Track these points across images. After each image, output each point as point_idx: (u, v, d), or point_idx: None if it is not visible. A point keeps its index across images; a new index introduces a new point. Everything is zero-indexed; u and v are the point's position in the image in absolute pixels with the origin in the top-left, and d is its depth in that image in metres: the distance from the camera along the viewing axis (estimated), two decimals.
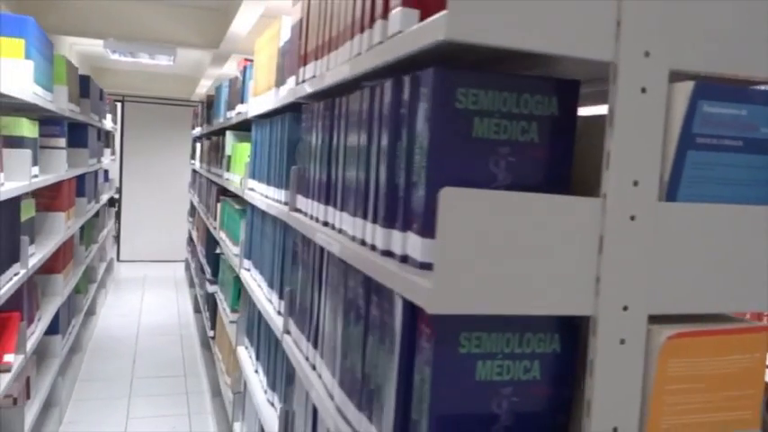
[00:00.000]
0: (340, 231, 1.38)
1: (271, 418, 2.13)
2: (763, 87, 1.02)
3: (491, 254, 0.85)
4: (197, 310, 6.18)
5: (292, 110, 2.08)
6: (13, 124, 2.65)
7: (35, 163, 2.92)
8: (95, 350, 5.17)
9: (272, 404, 2.21)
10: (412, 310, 0.98)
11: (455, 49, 0.91)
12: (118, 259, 9.09)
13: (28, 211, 2.87)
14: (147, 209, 9.23)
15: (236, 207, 3.35)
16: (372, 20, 1.16)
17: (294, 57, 1.91)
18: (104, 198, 6.37)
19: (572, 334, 0.98)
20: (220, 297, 3.91)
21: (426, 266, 0.95)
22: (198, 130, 6.70)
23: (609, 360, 0.91)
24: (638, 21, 0.88)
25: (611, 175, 0.89)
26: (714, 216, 0.93)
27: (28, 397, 3.08)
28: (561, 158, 0.98)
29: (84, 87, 4.59)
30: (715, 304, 0.96)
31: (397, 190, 1.06)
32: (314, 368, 1.56)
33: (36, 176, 2.90)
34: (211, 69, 6.67)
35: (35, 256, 2.96)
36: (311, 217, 1.64)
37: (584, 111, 1.08)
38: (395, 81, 1.07)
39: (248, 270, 2.82)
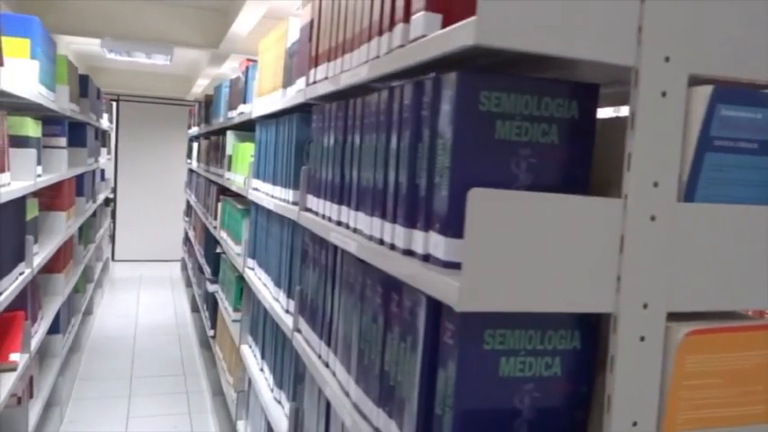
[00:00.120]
0: (355, 231, 1.40)
1: (278, 415, 2.15)
2: None
3: (517, 253, 0.87)
4: (194, 309, 6.18)
5: (300, 110, 2.10)
6: (19, 124, 2.66)
7: (38, 162, 2.92)
8: (93, 350, 5.17)
9: (280, 402, 2.23)
10: (435, 308, 1.01)
11: (472, 52, 0.93)
12: (113, 259, 9.08)
13: (32, 211, 2.88)
14: (142, 208, 9.22)
15: (238, 207, 3.37)
16: (392, 23, 1.18)
17: (304, 58, 1.92)
18: (101, 198, 6.37)
19: (591, 331, 1.00)
20: (221, 296, 3.92)
21: (450, 265, 0.97)
22: (195, 130, 6.71)
23: (629, 356, 0.93)
24: (658, 27, 0.90)
25: (633, 177, 0.91)
26: (730, 216, 0.96)
27: (31, 396, 3.08)
28: (580, 160, 1.01)
29: (83, 87, 4.59)
30: (730, 302, 0.99)
31: (417, 190, 1.08)
32: (327, 365, 1.58)
33: (40, 176, 2.91)
34: (209, 69, 6.67)
35: (38, 255, 2.96)
36: (323, 216, 1.66)
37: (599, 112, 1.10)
38: (416, 83, 1.09)
39: (252, 269, 2.83)
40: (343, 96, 1.60)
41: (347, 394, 1.40)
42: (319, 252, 1.69)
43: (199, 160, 5.93)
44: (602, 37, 0.88)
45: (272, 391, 2.34)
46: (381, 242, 1.23)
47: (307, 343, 1.77)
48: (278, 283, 2.27)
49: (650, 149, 0.91)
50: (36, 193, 3.16)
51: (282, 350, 2.22)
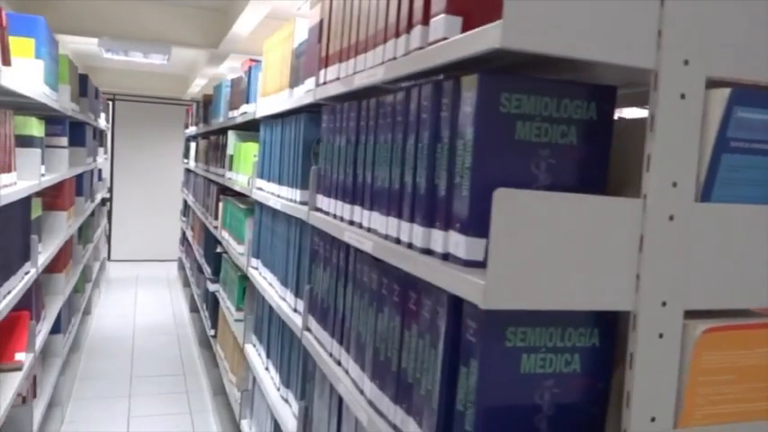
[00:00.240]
0: (369, 230, 1.41)
1: (286, 414, 2.16)
2: None
3: (540, 252, 0.89)
4: (193, 309, 6.18)
5: (307, 110, 2.11)
6: (23, 124, 2.66)
7: (42, 162, 2.93)
8: (92, 349, 5.17)
9: (287, 401, 2.24)
10: (456, 306, 1.02)
11: (488, 54, 0.95)
12: (109, 258, 9.06)
13: (36, 211, 2.88)
14: (138, 208, 9.22)
15: (241, 206, 3.38)
16: (410, 25, 1.20)
17: (313, 59, 1.94)
18: (99, 197, 6.36)
19: (609, 329, 1.02)
20: (222, 296, 3.93)
21: (470, 264, 0.99)
22: (193, 129, 6.70)
23: (648, 353, 0.95)
24: (677, 30, 0.92)
25: (652, 177, 0.93)
26: (746, 216, 0.98)
27: (34, 396, 3.08)
28: (598, 160, 1.03)
29: (82, 86, 4.59)
30: (745, 300, 1.01)
31: (437, 190, 1.10)
32: (339, 363, 1.60)
33: (43, 175, 2.91)
34: (207, 69, 6.66)
35: (42, 255, 2.96)
36: (335, 216, 1.68)
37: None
38: (435, 84, 1.11)
39: (257, 269, 2.85)
40: (353, 97, 1.62)
41: (362, 392, 1.42)
42: (330, 251, 1.71)
43: (197, 160, 5.93)
44: (623, 40, 0.90)
45: (278, 389, 2.35)
46: (398, 241, 1.24)
47: (317, 341, 1.79)
48: (285, 283, 2.29)
49: (669, 150, 0.93)
50: (38, 193, 3.16)
51: (289, 349, 2.23)
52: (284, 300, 2.27)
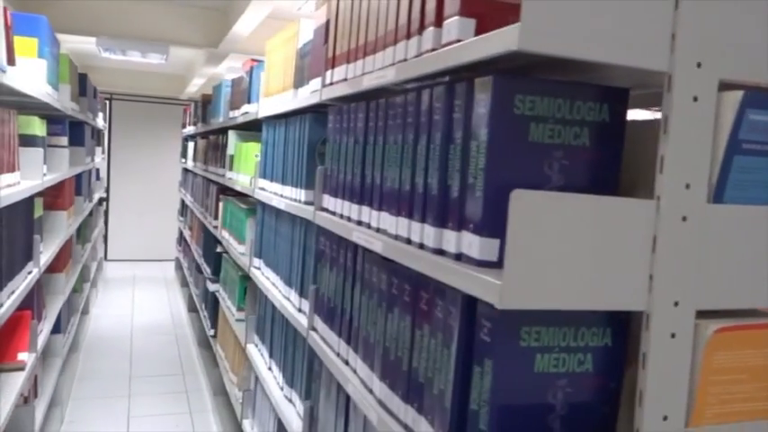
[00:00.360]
0: (378, 230, 1.42)
1: (290, 414, 2.17)
2: None
3: (555, 252, 0.90)
4: (191, 309, 6.17)
5: (311, 111, 2.12)
6: (26, 123, 2.66)
7: (44, 161, 2.92)
8: (91, 349, 5.16)
9: (291, 400, 2.25)
10: (470, 306, 1.03)
11: (500, 56, 0.96)
12: (105, 258, 9.04)
13: (38, 210, 2.88)
14: (134, 208, 9.20)
15: (242, 206, 3.38)
16: (422, 27, 1.21)
17: (319, 59, 1.94)
18: (96, 197, 6.35)
19: (622, 328, 1.03)
20: (223, 296, 3.93)
21: (484, 264, 1.00)
22: (191, 129, 6.70)
23: (660, 353, 0.96)
24: (691, 34, 0.93)
25: (665, 179, 0.94)
26: (757, 217, 0.99)
27: (36, 395, 3.08)
28: (610, 162, 1.04)
29: (82, 86, 4.58)
30: (756, 300, 1.02)
31: (449, 191, 1.11)
32: (347, 363, 1.61)
33: (45, 175, 2.91)
34: (205, 68, 6.66)
35: (43, 254, 2.96)
36: (342, 216, 1.68)
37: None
38: (447, 85, 1.12)
39: (259, 269, 2.85)
40: (360, 98, 1.62)
41: (371, 391, 1.42)
42: (337, 251, 1.71)
43: (195, 160, 5.93)
44: (638, 43, 0.91)
45: (282, 389, 2.35)
46: (409, 242, 1.25)
47: (324, 341, 1.79)
48: (289, 283, 2.29)
49: (682, 152, 0.94)
50: (40, 193, 3.16)
51: (293, 349, 2.24)
52: (288, 300, 2.28)
